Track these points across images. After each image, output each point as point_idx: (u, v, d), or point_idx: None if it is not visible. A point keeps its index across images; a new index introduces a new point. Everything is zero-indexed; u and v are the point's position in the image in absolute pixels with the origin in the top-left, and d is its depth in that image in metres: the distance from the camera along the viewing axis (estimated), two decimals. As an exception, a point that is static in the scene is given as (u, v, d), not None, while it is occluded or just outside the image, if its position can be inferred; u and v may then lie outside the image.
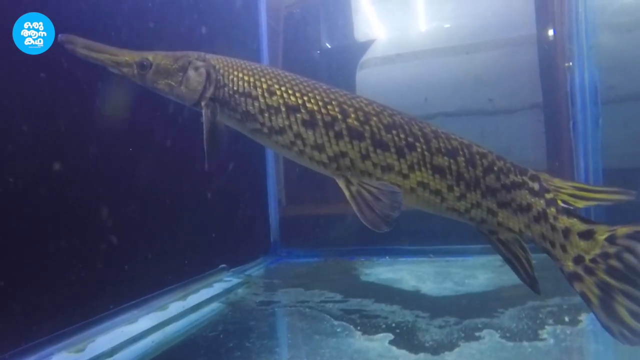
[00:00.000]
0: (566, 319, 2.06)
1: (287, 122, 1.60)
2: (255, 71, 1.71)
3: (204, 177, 3.04)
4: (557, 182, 1.63)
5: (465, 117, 4.39)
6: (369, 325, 2.15)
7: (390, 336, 1.99)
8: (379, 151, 1.55)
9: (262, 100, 1.63)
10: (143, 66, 1.73)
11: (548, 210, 1.57)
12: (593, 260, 1.44)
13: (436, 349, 1.83)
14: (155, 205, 2.71)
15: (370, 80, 4.79)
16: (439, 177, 1.56)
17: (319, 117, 1.58)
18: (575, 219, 1.52)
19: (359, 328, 2.12)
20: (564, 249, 1.51)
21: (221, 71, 1.73)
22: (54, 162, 2.10)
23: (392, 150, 1.55)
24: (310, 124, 1.58)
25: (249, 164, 4.01)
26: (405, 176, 1.56)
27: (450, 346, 1.85)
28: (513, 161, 1.67)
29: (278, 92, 1.63)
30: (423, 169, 1.56)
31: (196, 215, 3.06)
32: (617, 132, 3.62)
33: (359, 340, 1.98)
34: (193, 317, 2.46)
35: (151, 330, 2.21)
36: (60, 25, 1.78)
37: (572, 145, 3.53)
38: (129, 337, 2.11)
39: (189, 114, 2.10)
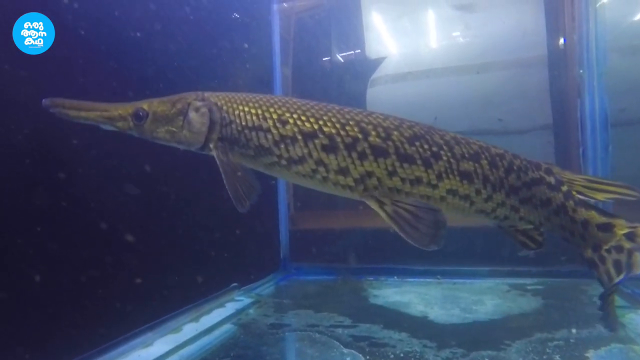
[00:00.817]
0: (573, 355, 2.08)
1: (305, 150, 1.53)
2: (261, 102, 1.63)
3: (217, 196, 3.06)
4: (569, 174, 1.72)
5: (475, 136, 4.34)
6: (377, 354, 2.20)
7: (399, 368, 2.05)
8: (405, 165, 1.52)
9: (275, 131, 1.56)
10: (139, 117, 1.61)
11: (567, 204, 1.63)
12: (608, 250, 1.53)
13: (443, 384, 1.88)
14: (169, 225, 2.78)
15: (381, 97, 4.83)
16: (467, 182, 1.58)
17: (338, 139, 1.52)
18: (593, 211, 1.60)
19: (368, 357, 2.16)
20: (583, 238, 1.60)
21: (224, 107, 1.63)
22: (58, 171, 1.96)
23: (419, 162, 1.53)
24: (330, 148, 1.52)
25: (260, 176, 4.00)
26: (435, 186, 1.54)
27: (458, 381, 1.90)
28: (526, 157, 1.74)
29: (291, 120, 1.56)
30: (451, 176, 1.55)
31: (210, 234, 3.11)
32: (627, 155, 3.63)
33: (368, 372, 2.04)
34: (206, 339, 2.52)
35: (167, 355, 2.28)
36: (60, 25, 1.74)
37: (582, 170, 3.55)
38: (146, 361, 2.19)
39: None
